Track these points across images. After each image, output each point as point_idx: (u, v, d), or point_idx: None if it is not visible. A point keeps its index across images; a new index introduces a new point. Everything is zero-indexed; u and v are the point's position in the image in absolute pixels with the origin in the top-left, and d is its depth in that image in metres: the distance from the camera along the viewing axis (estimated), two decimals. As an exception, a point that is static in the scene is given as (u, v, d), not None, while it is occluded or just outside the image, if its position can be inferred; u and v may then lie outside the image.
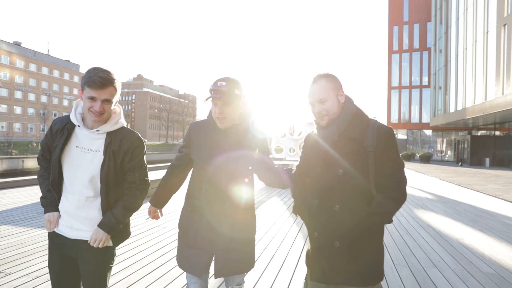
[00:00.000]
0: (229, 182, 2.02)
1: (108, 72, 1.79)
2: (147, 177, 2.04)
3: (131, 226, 2.15)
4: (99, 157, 1.86)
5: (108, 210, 1.89)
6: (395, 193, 1.70)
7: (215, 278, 2.06)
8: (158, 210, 2.28)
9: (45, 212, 1.95)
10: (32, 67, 65.00)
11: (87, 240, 1.87)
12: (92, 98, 1.75)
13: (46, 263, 3.77)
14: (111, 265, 1.98)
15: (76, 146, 1.86)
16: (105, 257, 1.93)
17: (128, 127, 2.05)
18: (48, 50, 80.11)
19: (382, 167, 1.71)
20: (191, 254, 2.03)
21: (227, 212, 2.02)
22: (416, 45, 40.22)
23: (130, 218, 2.08)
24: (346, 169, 1.74)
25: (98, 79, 1.73)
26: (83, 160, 1.86)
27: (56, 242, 1.93)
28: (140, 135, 2.02)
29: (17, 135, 57.47)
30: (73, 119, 1.86)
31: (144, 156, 2.02)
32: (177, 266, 2.18)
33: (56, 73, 70.16)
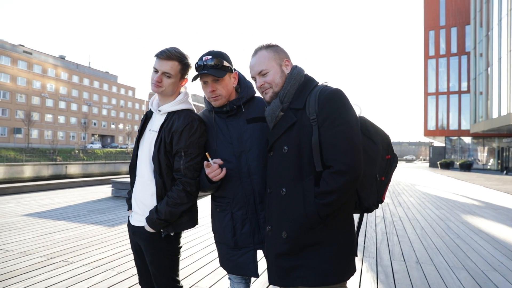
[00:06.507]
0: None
1: (179, 50, 1.79)
2: (196, 170, 1.77)
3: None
4: (156, 136, 1.81)
5: (161, 199, 1.79)
6: (341, 165, 1.38)
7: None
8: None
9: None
10: (75, 79, 68.93)
11: (142, 227, 1.81)
12: (156, 70, 1.76)
13: (103, 255, 4.01)
14: (172, 255, 1.84)
15: (149, 130, 1.88)
16: (161, 247, 1.81)
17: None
18: (89, 62, 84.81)
19: (325, 137, 1.44)
20: (238, 255, 1.81)
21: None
22: (454, 49, 38.61)
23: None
24: (290, 145, 1.51)
25: (165, 51, 1.75)
26: (147, 141, 1.85)
27: (129, 227, 1.96)
28: (200, 118, 1.83)
29: (61, 143, 60.88)
30: (149, 104, 1.94)
31: (198, 142, 1.77)
32: None
33: (96, 84, 73.86)
